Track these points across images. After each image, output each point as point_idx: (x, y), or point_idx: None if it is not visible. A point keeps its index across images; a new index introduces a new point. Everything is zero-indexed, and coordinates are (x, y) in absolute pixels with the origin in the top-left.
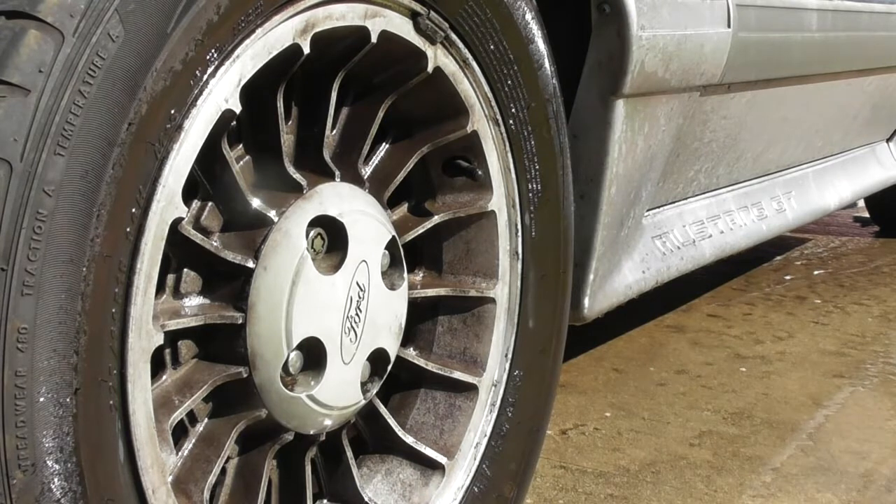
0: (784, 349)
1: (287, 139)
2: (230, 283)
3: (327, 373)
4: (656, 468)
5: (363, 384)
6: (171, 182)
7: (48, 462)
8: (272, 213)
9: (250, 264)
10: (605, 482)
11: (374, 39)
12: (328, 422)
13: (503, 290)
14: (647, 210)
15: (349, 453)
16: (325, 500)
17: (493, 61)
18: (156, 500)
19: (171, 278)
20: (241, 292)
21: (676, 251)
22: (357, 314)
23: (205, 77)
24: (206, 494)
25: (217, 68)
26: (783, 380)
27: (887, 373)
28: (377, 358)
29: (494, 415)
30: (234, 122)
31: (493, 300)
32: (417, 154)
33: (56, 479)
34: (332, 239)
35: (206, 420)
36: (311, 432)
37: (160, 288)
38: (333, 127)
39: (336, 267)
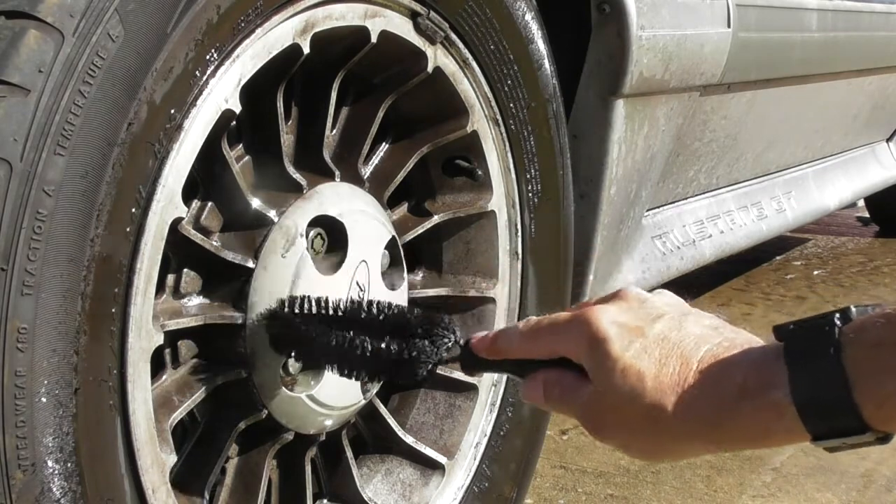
0: None
1: (287, 139)
2: (230, 283)
3: (327, 373)
4: (656, 468)
5: (363, 384)
6: (171, 182)
7: (48, 462)
8: (272, 213)
9: (250, 264)
10: (605, 482)
11: (373, 39)
12: (328, 422)
13: (503, 290)
14: (647, 210)
15: (349, 453)
16: (325, 500)
17: (493, 61)
18: (156, 500)
19: (171, 278)
20: (241, 292)
21: (676, 251)
22: None
23: (205, 77)
24: (206, 494)
25: (217, 68)
26: None
27: None
28: None
29: (494, 415)
30: (234, 122)
31: (493, 300)
32: (417, 154)
33: (56, 480)
34: (332, 239)
35: (206, 420)
36: (311, 432)
37: (160, 288)
38: (333, 127)
39: (336, 267)
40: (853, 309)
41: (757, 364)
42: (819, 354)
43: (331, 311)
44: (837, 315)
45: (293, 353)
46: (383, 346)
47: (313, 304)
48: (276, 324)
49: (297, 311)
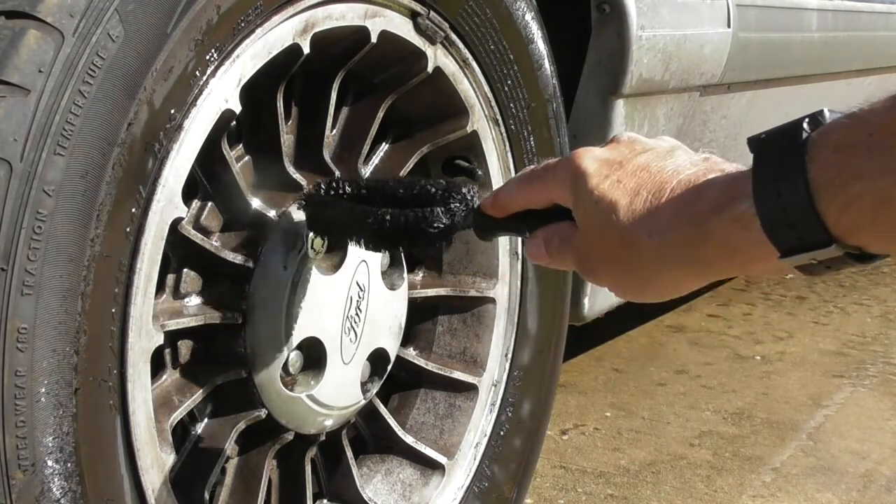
0: (784, 349)
1: (287, 139)
2: (230, 283)
3: (327, 373)
4: (656, 468)
5: (363, 384)
6: (171, 182)
7: (48, 462)
8: (272, 213)
9: (250, 264)
10: (605, 482)
11: (373, 39)
12: (328, 422)
13: (503, 290)
14: None
15: (349, 453)
16: (325, 500)
17: (493, 61)
18: (156, 500)
19: (171, 278)
20: (241, 292)
21: None
22: (357, 314)
23: (205, 77)
24: (206, 494)
25: (217, 68)
26: (783, 380)
27: (887, 373)
28: (377, 358)
29: (494, 415)
30: (234, 122)
31: (493, 300)
32: (417, 154)
33: (56, 479)
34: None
35: (206, 420)
36: (311, 432)
37: (160, 288)
38: (333, 127)
39: (336, 267)
40: (826, 112)
41: (731, 179)
42: (782, 160)
43: (360, 191)
44: (807, 119)
45: (327, 231)
46: (402, 216)
47: (344, 185)
48: (310, 204)
49: (329, 192)
